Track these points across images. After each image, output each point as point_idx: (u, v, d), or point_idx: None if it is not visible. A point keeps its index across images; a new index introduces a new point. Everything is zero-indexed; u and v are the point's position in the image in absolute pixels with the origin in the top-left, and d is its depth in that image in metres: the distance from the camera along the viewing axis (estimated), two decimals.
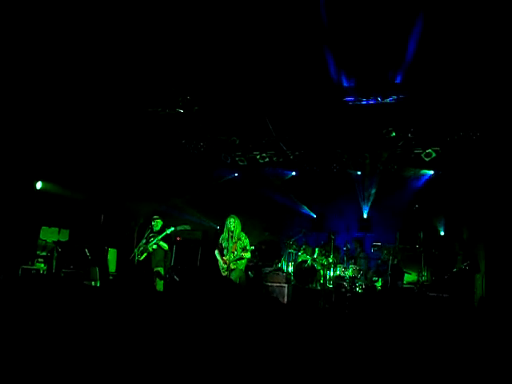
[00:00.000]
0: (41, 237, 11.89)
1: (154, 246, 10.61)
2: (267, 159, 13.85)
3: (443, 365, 3.57)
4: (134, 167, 13.31)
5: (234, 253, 9.88)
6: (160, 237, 10.63)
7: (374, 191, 13.38)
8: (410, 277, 11.78)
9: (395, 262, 11.68)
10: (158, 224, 10.81)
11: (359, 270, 11.99)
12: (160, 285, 10.37)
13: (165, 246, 10.55)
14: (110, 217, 13.31)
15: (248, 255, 9.89)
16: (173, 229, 10.90)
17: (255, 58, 9.28)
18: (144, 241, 10.70)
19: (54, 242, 11.64)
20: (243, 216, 10.37)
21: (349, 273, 12.07)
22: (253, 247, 10.06)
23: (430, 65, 9.09)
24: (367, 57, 8.96)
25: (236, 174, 14.92)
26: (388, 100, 10.07)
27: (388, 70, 9.29)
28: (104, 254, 12.20)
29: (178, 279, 11.37)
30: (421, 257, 11.47)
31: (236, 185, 14.78)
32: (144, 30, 8.68)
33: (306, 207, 14.46)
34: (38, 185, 12.26)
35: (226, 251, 9.99)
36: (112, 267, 12.43)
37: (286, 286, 11.60)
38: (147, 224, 11.15)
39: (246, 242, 9.92)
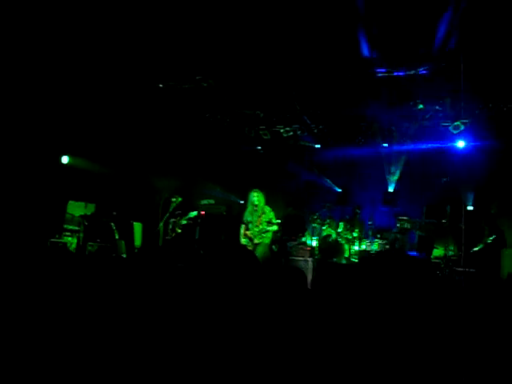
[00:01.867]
0: (68, 211, 12.03)
1: (183, 223, 11.02)
2: (291, 133, 13.77)
3: (475, 341, 3.62)
4: (159, 142, 13.39)
5: (258, 226, 9.92)
6: (185, 218, 11.16)
7: (400, 165, 13.16)
8: (436, 251, 11.66)
9: (423, 234, 11.65)
10: (177, 201, 11.21)
11: (385, 244, 11.96)
12: None
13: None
14: (136, 191, 13.49)
15: (274, 227, 10.01)
16: (195, 213, 11.41)
17: (280, 31, 9.19)
18: (169, 217, 11.06)
19: (80, 216, 11.77)
20: (267, 190, 10.44)
21: (374, 247, 12.09)
22: (279, 220, 10.16)
23: (458, 37, 8.93)
24: (399, 34, 8.76)
25: (259, 148, 14.91)
26: (418, 71, 9.85)
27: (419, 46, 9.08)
28: (130, 228, 12.32)
29: (202, 252, 11.39)
30: (447, 231, 11.41)
31: (259, 159, 14.82)
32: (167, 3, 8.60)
33: (329, 181, 14.43)
34: (64, 159, 12.38)
35: (250, 225, 10.02)
36: (138, 241, 12.55)
37: (311, 259, 11.55)
38: (171, 199, 11.45)
39: (271, 215, 9.99)
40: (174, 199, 11.31)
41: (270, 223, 9.89)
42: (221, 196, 14.49)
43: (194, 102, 12.29)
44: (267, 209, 10.01)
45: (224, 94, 11.86)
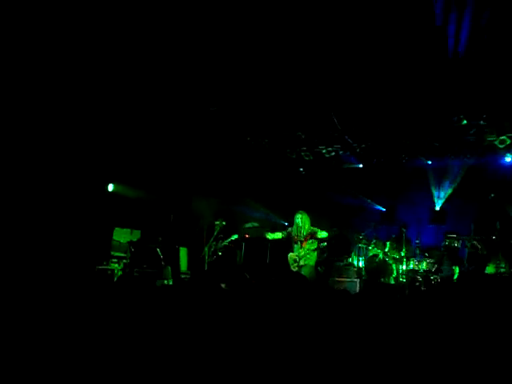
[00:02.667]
0: (114, 238, 12.23)
1: (223, 246, 11.21)
2: (333, 153, 13.75)
3: None
4: (201, 166, 13.57)
5: (304, 248, 9.90)
6: (227, 241, 11.32)
7: (447, 182, 13.03)
8: (488, 269, 11.30)
9: (473, 251, 11.46)
10: (221, 224, 11.31)
11: (433, 262, 11.75)
12: None
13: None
14: (180, 216, 13.54)
15: (324, 234, 10.03)
16: (236, 236, 11.52)
17: (316, 53, 9.28)
18: (213, 241, 11.19)
19: (127, 242, 11.89)
20: (311, 212, 10.40)
21: (423, 266, 11.84)
22: (325, 243, 10.31)
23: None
24: None
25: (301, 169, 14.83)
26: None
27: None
28: (175, 253, 12.47)
29: (247, 276, 11.46)
30: (498, 248, 11.12)
31: (302, 180, 14.84)
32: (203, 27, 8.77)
33: (373, 201, 14.40)
34: (110, 187, 12.62)
35: (295, 247, 10.04)
36: (183, 266, 12.68)
37: (357, 280, 11.55)
38: (215, 222, 11.57)
39: (317, 230, 9.98)
40: (217, 222, 11.43)
41: (315, 236, 9.93)
42: (266, 218, 14.54)
43: (235, 124, 12.42)
44: (312, 229, 10.00)
45: (264, 116, 11.95)
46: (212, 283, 9.61)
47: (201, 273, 11.19)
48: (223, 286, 9.85)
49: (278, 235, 10.48)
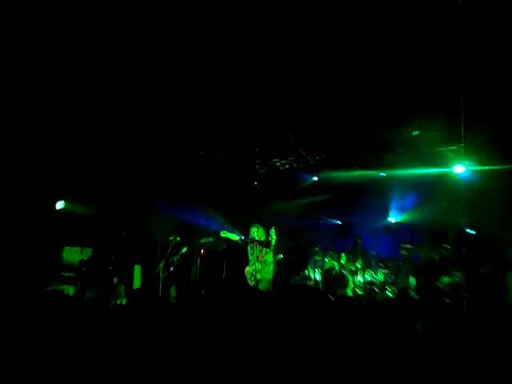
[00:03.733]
0: (64, 257, 11.84)
1: (176, 258, 11.18)
2: (287, 166, 13.74)
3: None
4: (154, 181, 13.42)
5: (260, 261, 9.96)
6: (177, 256, 11.36)
7: (399, 192, 13.18)
8: (444, 279, 11.34)
9: (429, 260, 11.55)
10: (175, 240, 11.36)
11: (389, 274, 11.90)
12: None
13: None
14: (133, 233, 13.53)
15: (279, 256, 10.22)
16: (185, 250, 11.50)
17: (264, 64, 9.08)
18: (167, 257, 11.22)
19: (78, 261, 11.60)
20: (267, 226, 10.42)
21: (379, 277, 11.97)
22: (281, 255, 10.35)
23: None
24: None
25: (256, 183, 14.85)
26: None
27: None
28: (129, 271, 12.30)
29: (203, 292, 11.30)
30: (452, 257, 11.29)
31: (257, 194, 14.87)
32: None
33: (328, 215, 14.59)
34: (59, 204, 12.28)
35: (251, 261, 10.12)
36: (137, 283, 12.50)
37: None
38: (169, 238, 11.57)
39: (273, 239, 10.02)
40: (171, 238, 11.49)
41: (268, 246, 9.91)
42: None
43: (186, 139, 12.26)
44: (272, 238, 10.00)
45: (217, 129, 11.80)
46: (167, 300, 9.62)
47: (155, 291, 10.99)
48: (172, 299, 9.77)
49: (235, 237, 10.39)
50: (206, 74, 9.28)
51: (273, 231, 9.99)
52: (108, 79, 9.32)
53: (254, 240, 10.24)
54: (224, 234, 10.41)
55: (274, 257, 10.43)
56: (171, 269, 11.43)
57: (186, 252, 11.62)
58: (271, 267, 10.16)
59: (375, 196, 13.36)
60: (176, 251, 11.55)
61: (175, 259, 11.49)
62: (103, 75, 9.19)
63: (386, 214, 13.70)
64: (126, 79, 9.34)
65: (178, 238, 11.61)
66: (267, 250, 10.05)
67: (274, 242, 10.03)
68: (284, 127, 11.48)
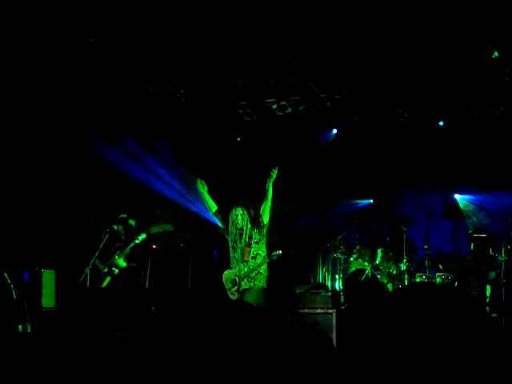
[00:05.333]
0: None
1: (123, 264, 11.23)
2: (289, 109, 13.40)
3: None
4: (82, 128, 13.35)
5: (245, 262, 9.69)
6: (128, 248, 11.23)
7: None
8: None
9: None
10: (127, 227, 11.35)
11: (453, 280, 11.74)
12: None
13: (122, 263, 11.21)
14: (43, 219, 13.32)
15: (275, 254, 9.87)
16: (144, 236, 11.38)
17: None
18: (99, 256, 11.00)
19: None
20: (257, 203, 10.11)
21: None
22: (279, 252, 9.89)
23: None
24: None
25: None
26: None
27: None
28: (35, 280, 12.05)
29: (156, 311, 11.36)
30: None
31: (242, 154, 14.61)
32: None
33: (354, 189, 14.36)
34: None
35: (233, 261, 9.86)
36: (49, 300, 12.11)
37: (334, 312, 11.02)
38: (103, 228, 11.31)
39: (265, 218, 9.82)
40: (120, 226, 11.43)
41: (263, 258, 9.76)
42: (184, 217, 14.37)
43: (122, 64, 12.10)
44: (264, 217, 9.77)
45: (173, 48, 11.61)
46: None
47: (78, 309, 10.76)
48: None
49: (213, 206, 10.09)
50: None
51: (239, 213, 9.72)
52: None
53: (237, 227, 9.87)
54: (202, 187, 10.08)
55: (269, 254, 9.99)
56: (115, 271, 11.38)
57: (142, 242, 11.44)
58: (264, 269, 9.86)
59: (430, 160, 13.14)
60: (125, 242, 11.47)
61: (122, 257, 11.36)
62: None
63: (448, 188, 13.35)
64: None
65: (132, 222, 11.55)
66: (257, 233, 9.75)
67: (266, 220, 9.74)
68: (283, 44, 11.23)
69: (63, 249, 12.73)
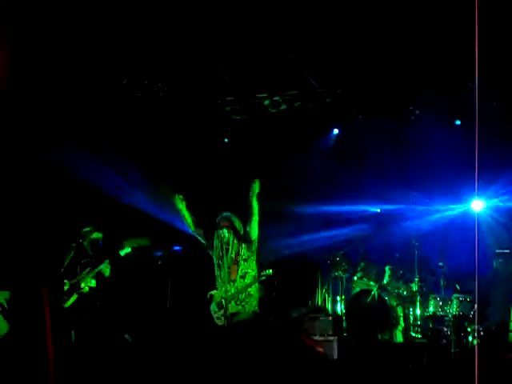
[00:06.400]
0: None
1: (92, 283, 11.04)
2: (283, 106, 13.28)
3: None
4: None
5: (232, 282, 9.66)
6: (104, 264, 11.09)
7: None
8: None
9: None
10: (93, 241, 11.20)
11: (473, 302, 11.54)
12: None
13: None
14: None
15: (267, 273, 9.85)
16: (129, 250, 11.51)
17: None
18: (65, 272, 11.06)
19: None
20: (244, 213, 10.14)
21: (452, 309, 11.67)
22: (270, 271, 9.87)
23: None
24: None
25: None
26: None
27: None
28: None
29: (130, 340, 11.27)
30: None
31: (229, 157, 14.46)
32: None
33: (357, 197, 14.12)
34: None
35: (219, 280, 9.81)
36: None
37: (335, 339, 11.44)
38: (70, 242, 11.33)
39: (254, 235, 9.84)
40: (85, 242, 11.32)
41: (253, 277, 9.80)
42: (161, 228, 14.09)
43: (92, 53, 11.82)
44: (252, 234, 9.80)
45: (152, 36, 11.36)
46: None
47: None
48: None
49: (190, 224, 10.12)
50: None
51: (256, 188, 9.75)
52: None
53: (222, 242, 9.86)
54: (180, 202, 10.12)
55: (259, 272, 10.06)
56: (84, 290, 11.22)
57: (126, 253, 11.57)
58: (255, 290, 9.82)
59: (446, 163, 12.86)
60: (91, 257, 11.32)
61: (92, 274, 11.18)
62: None
63: (467, 194, 13.08)
64: None
65: (99, 235, 11.43)
66: (246, 248, 9.74)
67: (255, 236, 9.70)
68: (276, 30, 11.05)
69: (23, 268, 12.18)
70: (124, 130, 13.75)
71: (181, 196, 10.03)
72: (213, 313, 9.67)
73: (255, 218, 9.68)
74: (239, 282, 9.54)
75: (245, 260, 9.63)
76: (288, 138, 14.22)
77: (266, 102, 13.39)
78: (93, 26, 11.29)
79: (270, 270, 10.30)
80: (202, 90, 13.24)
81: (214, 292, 9.78)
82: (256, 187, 9.68)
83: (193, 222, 10.04)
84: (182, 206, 9.96)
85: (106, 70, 12.45)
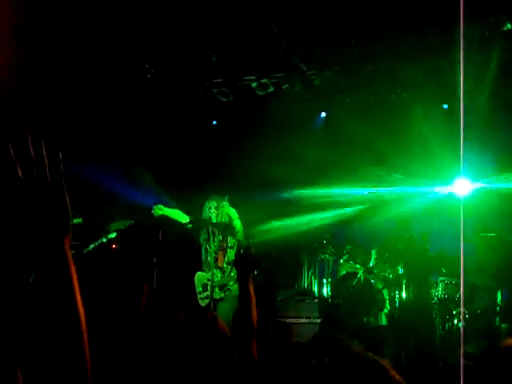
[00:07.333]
0: None
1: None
2: (271, 88, 13.28)
3: None
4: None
5: (220, 268, 9.92)
6: (88, 249, 11.14)
7: None
8: None
9: None
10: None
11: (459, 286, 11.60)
12: None
13: None
14: None
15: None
16: (114, 235, 11.38)
17: None
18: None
19: None
20: (234, 197, 10.79)
21: (438, 292, 11.74)
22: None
23: None
24: None
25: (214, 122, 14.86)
26: None
27: None
28: None
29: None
30: None
31: (217, 140, 14.43)
32: None
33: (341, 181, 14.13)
34: None
35: (205, 265, 9.85)
36: None
37: (319, 321, 11.65)
38: None
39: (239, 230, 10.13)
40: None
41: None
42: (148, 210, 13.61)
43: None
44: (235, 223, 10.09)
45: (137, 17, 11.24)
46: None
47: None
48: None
49: (179, 215, 10.40)
50: None
51: (229, 209, 10.11)
52: None
53: (210, 223, 10.16)
54: (160, 210, 10.31)
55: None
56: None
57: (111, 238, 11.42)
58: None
59: (431, 143, 12.74)
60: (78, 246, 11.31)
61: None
62: None
63: (451, 175, 13.06)
64: None
65: (79, 220, 11.04)
66: (231, 236, 10.01)
67: (238, 226, 10.01)
68: (264, 10, 10.96)
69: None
70: (110, 113, 13.57)
71: (159, 205, 10.37)
72: (197, 292, 9.92)
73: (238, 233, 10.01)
74: (226, 269, 9.73)
75: (231, 248, 9.74)
76: (276, 120, 14.12)
77: (254, 85, 13.32)
78: (78, 8, 10.91)
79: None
80: (189, 72, 13.11)
81: (200, 273, 10.01)
82: (231, 212, 10.09)
83: (183, 218, 10.27)
84: (164, 213, 10.27)
85: (92, 51, 12.18)
